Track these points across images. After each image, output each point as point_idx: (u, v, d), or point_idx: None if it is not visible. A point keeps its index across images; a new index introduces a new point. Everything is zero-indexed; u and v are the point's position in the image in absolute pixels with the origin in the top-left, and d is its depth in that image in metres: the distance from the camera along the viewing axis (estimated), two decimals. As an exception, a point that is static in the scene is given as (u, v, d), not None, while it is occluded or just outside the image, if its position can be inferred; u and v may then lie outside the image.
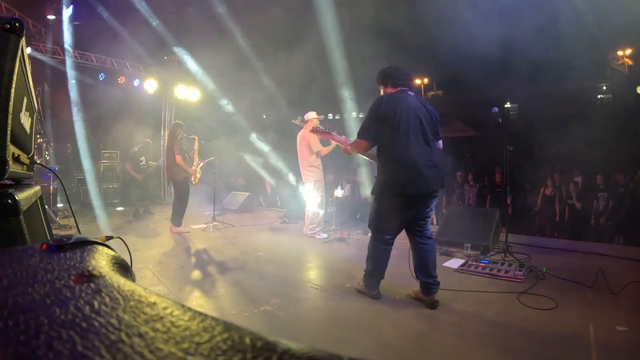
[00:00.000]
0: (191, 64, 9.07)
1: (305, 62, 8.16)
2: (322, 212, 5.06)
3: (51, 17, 8.02)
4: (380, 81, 2.75)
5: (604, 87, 12.65)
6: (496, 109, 3.79)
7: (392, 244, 2.70)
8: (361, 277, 2.80)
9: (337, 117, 15.50)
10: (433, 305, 2.54)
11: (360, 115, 16.04)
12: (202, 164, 5.66)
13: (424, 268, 2.59)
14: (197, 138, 5.61)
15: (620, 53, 11.53)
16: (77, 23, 7.80)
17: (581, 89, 11.68)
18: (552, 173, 8.11)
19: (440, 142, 2.73)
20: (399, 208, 2.52)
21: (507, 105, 13.88)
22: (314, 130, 3.20)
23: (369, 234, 2.83)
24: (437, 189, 2.55)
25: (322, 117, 5.20)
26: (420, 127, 2.50)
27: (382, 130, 2.51)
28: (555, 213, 7.22)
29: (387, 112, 2.49)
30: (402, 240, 4.69)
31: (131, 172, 6.83)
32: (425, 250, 2.62)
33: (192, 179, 5.40)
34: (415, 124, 2.48)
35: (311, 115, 5.05)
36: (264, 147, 9.38)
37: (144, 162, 7.00)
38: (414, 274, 2.68)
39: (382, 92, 2.74)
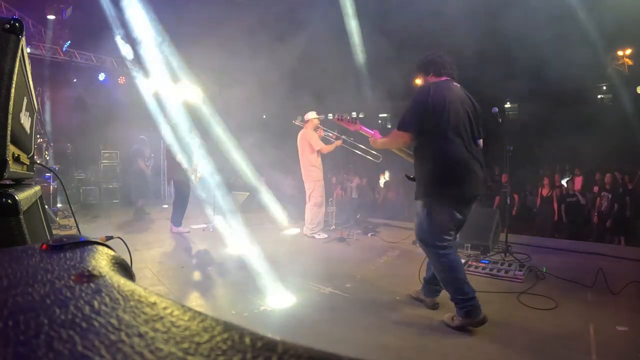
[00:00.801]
0: (191, 63, 9.06)
1: (304, 62, 8.16)
2: (321, 211, 5.07)
3: (51, 17, 8.03)
4: (422, 69, 2.45)
5: (604, 87, 12.66)
6: (496, 109, 3.79)
7: (452, 247, 2.31)
8: (451, 309, 2.33)
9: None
10: (434, 306, 2.51)
11: (361, 115, 16.08)
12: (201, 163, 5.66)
13: (434, 276, 2.41)
14: (196, 137, 5.62)
15: (620, 53, 11.54)
16: (77, 23, 7.80)
17: (581, 89, 11.69)
18: (552, 173, 8.11)
19: (481, 140, 2.41)
20: (453, 213, 2.24)
21: (507, 105, 13.88)
22: (340, 120, 2.85)
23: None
24: (483, 191, 2.39)
25: (322, 116, 5.21)
26: (469, 121, 2.25)
27: (428, 123, 2.20)
28: (554, 212, 7.23)
29: (436, 102, 2.19)
30: (403, 240, 4.71)
31: (143, 168, 6.83)
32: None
33: (193, 177, 5.41)
34: (464, 118, 2.23)
35: (311, 115, 5.06)
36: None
37: (148, 158, 7.02)
38: (420, 276, 2.57)
39: (422, 82, 2.47)
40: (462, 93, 2.31)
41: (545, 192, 7.45)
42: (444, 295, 2.75)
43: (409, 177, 2.53)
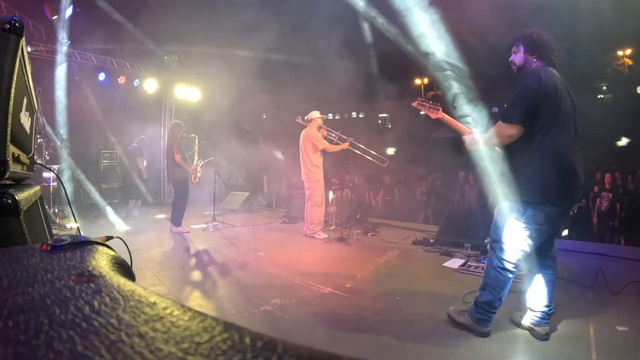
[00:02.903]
0: (191, 63, 9.07)
1: (304, 62, 8.16)
2: (322, 211, 5.07)
3: (52, 16, 8.02)
4: (528, 45, 2.11)
5: (604, 87, 12.65)
6: (496, 109, 3.79)
7: (520, 266, 2.12)
8: (466, 307, 2.26)
9: (336, 117, 15.50)
10: (544, 337, 2.07)
11: (361, 115, 16.07)
12: (202, 162, 5.66)
13: (544, 295, 2.12)
14: (197, 137, 5.62)
15: (620, 53, 11.53)
16: (77, 23, 7.79)
17: (581, 89, 11.68)
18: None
19: None
20: (547, 221, 1.96)
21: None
22: (421, 104, 2.49)
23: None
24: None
25: (325, 116, 5.21)
26: (573, 116, 1.99)
27: (538, 115, 1.92)
28: None
29: (548, 89, 1.91)
30: (403, 240, 4.71)
31: (141, 167, 6.83)
32: (550, 274, 2.15)
33: (193, 177, 5.41)
34: (571, 112, 1.98)
35: (315, 114, 5.06)
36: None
37: (143, 163, 7.01)
38: (526, 301, 2.20)
39: (519, 59, 2.15)
40: (565, 84, 2.04)
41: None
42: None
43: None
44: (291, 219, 6.35)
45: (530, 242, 2.02)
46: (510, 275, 2.09)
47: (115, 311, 0.26)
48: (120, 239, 0.84)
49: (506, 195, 2.04)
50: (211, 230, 5.42)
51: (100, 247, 0.44)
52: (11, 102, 0.78)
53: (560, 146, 1.93)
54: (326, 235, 4.94)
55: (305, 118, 5.21)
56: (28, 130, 1.23)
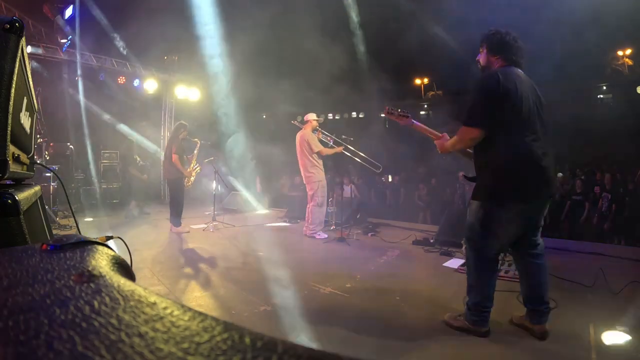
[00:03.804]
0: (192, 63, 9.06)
1: (305, 62, 8.17)
2: (322, 211, 5.07)
3: (52, 16, 8.03)
4: (490, 45, 2.13)
5: (604, 87, 12.65)
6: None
7: (499, 261, 2.18)
8: (461, 311, 2.26)
9: (337, 117, 15.50)
10: (543, 336, 2.05)
11: (361, 115, 16.07)
12: (198, 168, 5.66)
13: (537, 292, 2.11)
14: (199, 142, 5.61)
15: (620, 53, 11.53)
16: (77, 23, 7.80)
17: (581, 89, 11.69)
18: (554, 173, 8.10)
19: None
20: (515, 218, 2.01)
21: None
22: (389, 114, 2.50)
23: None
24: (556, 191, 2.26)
25: (321, 119, 5.22)
26: (538, 115, 2.02)
27: (499, 116, 1.95)
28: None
29: (507, 90, 1.93)
30: (403, 240, 4.71)
31: (137, 175, 6.84)
32: (538, 270, 2.13)
33: (186, 181, 5.39)
34: (535, 109, 2.01)
35: (311, 116, 5.06)
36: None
37: (139, 160, 7.00)
38: (521, 300, 2.21)
39: (482, 59, 2.18)
40: (530, 83, 2.06)
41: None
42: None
43: (467, 177, 2.26)
44: (291, 219, 6.35)
45: (503, 239, 2.07)
46: (490, 273, 2.13)
47: (115, 311, 0.26)
48: (120, 239, 0.84)
49: (475, 194, 2.12)
50: (211, 230, 5.42)
51: (100, 247, 0.44)
52: (11, 102, 0.78)
53: (522, 144, 1.95)
54: (326, 235, 4.94)
55: (302, 120, 5.23)
56: (28, 130, 1.23)
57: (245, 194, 8.01)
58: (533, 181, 1.96)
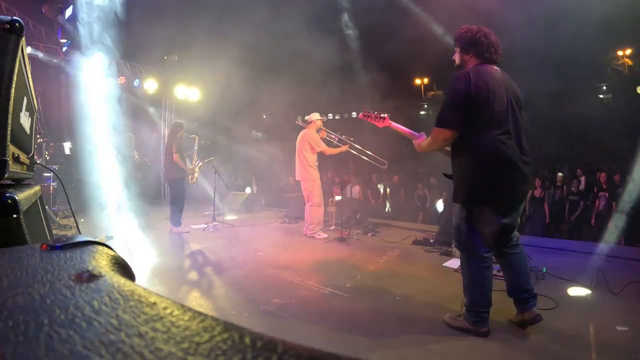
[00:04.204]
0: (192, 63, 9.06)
1: (306, 62, 8.17)
2: (321, 211, 5.07)
3: (51, 17, 8.03)
4: (462, 45, 2.15)
5: (604, 87, 12.65)
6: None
7: (491, 259, 2.18)
8: (460, 311, 2.28)
9: (336, 117, 15.51)
10: (535, 320, 2.09)
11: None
12: (200, 164, 5.66)
13: (518, 281, 2.16)
14: (197, 137, 5.62)
15: (620, 53, 11.53)
16: (77, 23, 7.79)
17: (581, 89, 11.69)
18: (553, 173, 8.11)
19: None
20: (495, 216, 2.03)
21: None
22: (366, 117, 2.59)
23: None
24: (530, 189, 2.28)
25: (325, 118, 5.22)
26: (513, 111, 2.02)
27: (470, 116, 1.96)
28: (545, 215, 7.24)
29: (478, 91, 1.94)
30: (403, 240, 4.71)
31: (131, 173, 6.83)
32: (516, 261, 2.19)
33: (190, 178, 5.40)
34: (509, 108, 2.00)
35: (315, 116, 5.06)
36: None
37: (137, 157, 6.98)
38: (507, 292, 2.24)
39: (457, 58, 2.20)
40: (505, 79, 2.06)
41: (537, 193, 7.43)
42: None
43: (446, 175, 2.26)
44: (291, 219, 6.35)
45: (487, 238, 2.10)
46: (483, 272, 2.14)
47: (115, 311, 0.26)
48: (120, 239, 0.85)
49: (455, 195, 2.15)
50: (211, 230, 5.42)
51: (100, 247, 0.44)
52: (11, 102, 0.78)
53: (494, 142, 1.95)
54: (326, 235, 4.94)
55: (305, 119, 5.22)
56: (28, 130, 1.23)
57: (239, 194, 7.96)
58: (506, 179, 1.97)
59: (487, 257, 2.14)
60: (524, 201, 2.16)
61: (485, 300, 2.12)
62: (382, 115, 2.56)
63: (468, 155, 2.04)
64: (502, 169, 1.96)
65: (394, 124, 2.51)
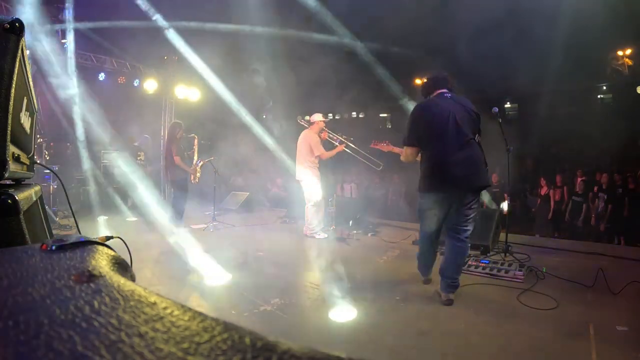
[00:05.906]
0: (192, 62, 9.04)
1: (304, 62, 8.17)
2: (321, 211, 5.07)
3: (51, 17, 8.02)
4: (423, 94, 2.93)
5: (604, 87, 12.64)
6: (496, 109, 3.79)
7: (433, 242, 2.85)
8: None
9: (337, 117, 15.52)
10: (446, 302, 2.61)
11: (361, 115, 16.10)
12: (202, 162, 5.65)
13: (450, 268, 2.67)
14: (196, 137, 5.61)
15: (620, 53, 11.52)
16: (77, 23, 7.79)
17: (581, 89, 11.68)
18: (554, 173, 8.11)
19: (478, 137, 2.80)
20: (431, 204, 2.67)
21: (507, 105, 13.86)
22: (375, 145, 3.68)
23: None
24: (473, 187, 2.60)
25: (327, 119, 5.22)
26: (456, 126, 2.57)
27: (421, 135, 2.68)
28: (549, 212, 7.25)
29: (424, 117, 2.68)
30: (403, 240, 4.71)
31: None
32: (456, 251, 2.68)
33: (192, 177, 5.39)
34: (450, 125, 2.57)
35: (317, 117, 5.06)
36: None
37: (142, 158, 6.97)
38: (439, 271, 2.77)
39: (424, 95, 2.94)
40: (450, 102, 2.66)
41: (543, 192, 7.45)
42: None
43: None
44: (291, 219, 6.34)
45: (433, 220, 2.72)
46: (429, 248, 2.90)
47: (115, 311, 0.26)
48: (120, 239, 0.85)
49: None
50: (211, 230, 5.42)
51: (100, 247, 0.44)
52: (11, 102, 0.78)
53: (439, 153, 2.60)
54: (326, 235, 4.93)
55: (308, 119, 5.22)
56: (28, 130, 1.23)
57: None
58: (438, 178, 2.61)
59: (433, 238, 2.82)
60: (468, 197, 2.59)
61: (427, 268, 3.02)
62: (385, 142, 3.62)
63: (422, 161, 2.77)
64: (439, 171, 2.60)
65: (392, 147, 3.53)
